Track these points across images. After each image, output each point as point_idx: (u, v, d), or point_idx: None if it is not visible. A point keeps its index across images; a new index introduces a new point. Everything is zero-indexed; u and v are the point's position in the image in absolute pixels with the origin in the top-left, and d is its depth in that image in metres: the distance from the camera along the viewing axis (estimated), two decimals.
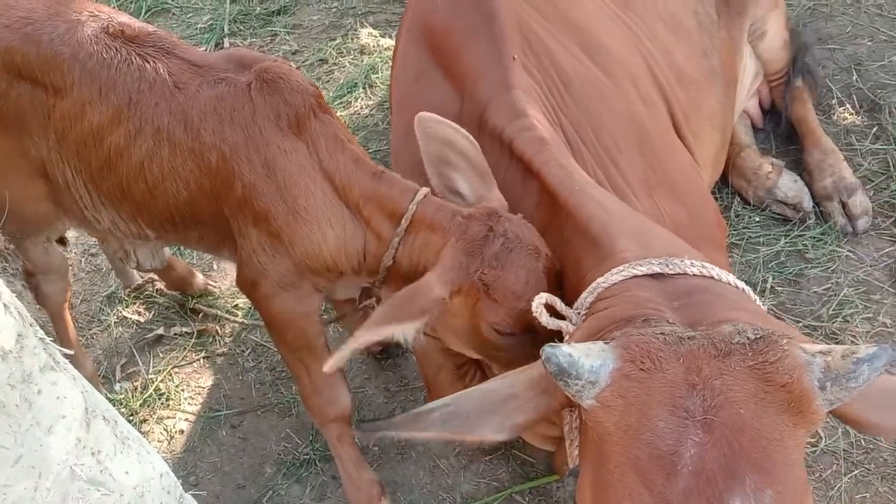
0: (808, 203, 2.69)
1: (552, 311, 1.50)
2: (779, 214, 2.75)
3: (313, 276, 1.86)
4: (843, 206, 2.69)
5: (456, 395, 1.38)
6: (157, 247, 2.41)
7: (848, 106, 3.09)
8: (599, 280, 1.43)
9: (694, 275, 1.35)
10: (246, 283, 1.94)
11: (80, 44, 1.81)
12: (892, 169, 2.84)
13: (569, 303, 1.55)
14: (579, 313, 1.46)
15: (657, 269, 1.36)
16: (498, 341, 1.67)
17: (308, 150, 1.76)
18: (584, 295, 1.46)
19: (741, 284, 1.39)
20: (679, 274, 1.35)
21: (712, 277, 1.36)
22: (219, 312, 2.70)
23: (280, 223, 1.78)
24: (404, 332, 1.58)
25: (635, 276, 1.37)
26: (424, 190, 1.76)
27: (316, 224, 1.77)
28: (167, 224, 1.94)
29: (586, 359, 1.16)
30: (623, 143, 2.05)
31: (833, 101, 3.12)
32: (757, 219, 2.77)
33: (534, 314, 1.48)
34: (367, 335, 1.58)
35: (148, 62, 1.81)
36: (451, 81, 1.97)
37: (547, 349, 1.17)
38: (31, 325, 0.98)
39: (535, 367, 1.35)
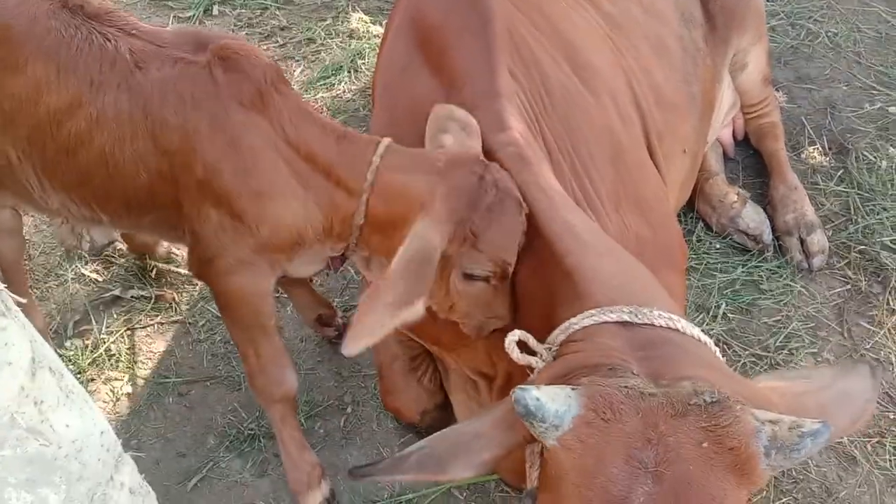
0: (768, 236, 2.76)
1: (523, 347, 1.53)
2: (739, 244, 2.81)
3: (275, 253, 1.84)
4: (802, 242, 2.76)
5: (430, 438, 1.43)
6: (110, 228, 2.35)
7: (818, 146, 3.18)
8: (572, 320, 1.47)
9: (661, 326, 1.39)
10: (200, 263, 1.89)
11: (36, 18, 1.71)
12: (852, 212, 2.92)
13: (535, 325, 1.58)
14: (550, 349, 1.50)
15: (626, 318, 1.40)
16: (462, 288, 1.67)
17: (272, 125, 1.72)
18: (556, 333, 1.50)
19: (704, 337, 1.44)
20: (647, 324, 1.39)
21: (678, 330, 1.41)
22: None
23: (244, 203, 1.75)
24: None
25: (605, 322, 1.41)
26: (387, 140, 1.75)
27: (283, 200, 1.75)
28: (122, 209, 1.88)
29: (552, 403, 1.21)
30: (598, 155, 2.08)
31: (804, 140, 3.20)
32: (717, 245, 2.83)
33: (506, 349, 1.50)
34: (395, 317, 1.53)
35: (109, 41, 1.73)
36: (437, 78, 1.98)
37: (517, 391, 1.22)
38: None
39: (499, 407, 1.42)
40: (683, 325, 1.44)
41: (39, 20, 1.71)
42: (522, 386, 1.24)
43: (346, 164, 1.73)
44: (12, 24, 1.71)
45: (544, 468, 1.33)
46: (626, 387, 1.25)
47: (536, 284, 1.69)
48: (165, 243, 2.72)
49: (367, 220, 1.74)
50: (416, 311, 1.55)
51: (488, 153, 1.78)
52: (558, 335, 1.49)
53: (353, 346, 1.53)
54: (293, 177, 1.74)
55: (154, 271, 2.71)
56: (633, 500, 1.16)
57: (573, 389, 1.26)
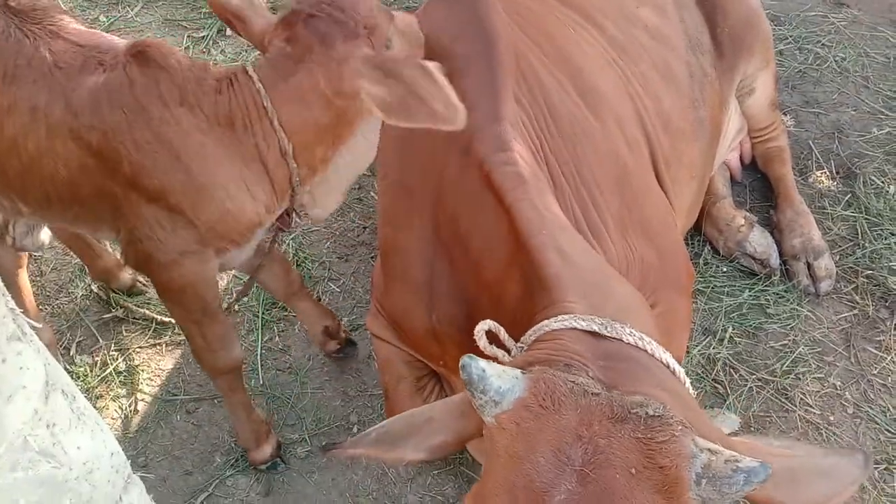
0: (775, 260, 2.77)
1: (494, 339, 1.55)
2: (746, 267, 2.82)
3: (219, 240, 1.83)
4: (809, 267, 2.77)
5: (391, 419, 1.45)
6: (35, 224, 2.29)
7: (826, 170, 3.19)
8: (544, 323, 1.49)
9: (629, 343, 1.40)
10: (138, 259, 1.87)
11: None
12: (859, 237, 2.93)
13: (514, 332, 1.59)
14: (521, 348, 1.51)
15: (595, 328, 1.41)
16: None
17: (194, 114, 1.72)
18: (529, 333, 1.52)
19: (674, 364, 1.43)
20: (615, 338, 1.40)
21: (646, 351, 1.41)
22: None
23: (179, 197, 1.74)
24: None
25: (574, 329, 1.42)
26: (248, 64, 1.78)
27: (219, 187, 1.74)
28: (43, 201, 1.85)
29: (497, 379, 1.23)
30: (603, 181, 2.10)
31: (811, 164, 3.21)
32: (724, 269, 2.84)
33: (474, 337, 1.53)
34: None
35: (28, 38, 1.73)
36: None
37: (465, 358, 1.24)
38: (2, 294, 0.99)
39: (457, 396, 1.43)
40: (654, 347, 1.44)
41: None
42: (472, 355, 1.25)
43: (244, 108, 1.73)
44: None
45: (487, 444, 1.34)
46: (572, 381, 1.26)
47: (517, 295, 1.70)
48: (129, 272, 2.65)
49: (294, 145, 1.76)
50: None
51: (486, 173, 1.80)
52: (530, 335, 1.51)
53: None
54: (228, 157, 1.75)
55: (121, 302, 2.71)
56: (554, 496, 1.15)
57: (522, 373, 1.28)
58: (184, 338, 2.61)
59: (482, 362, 1.23)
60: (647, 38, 2.43)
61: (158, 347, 2.61)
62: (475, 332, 1.52)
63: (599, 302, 1.54)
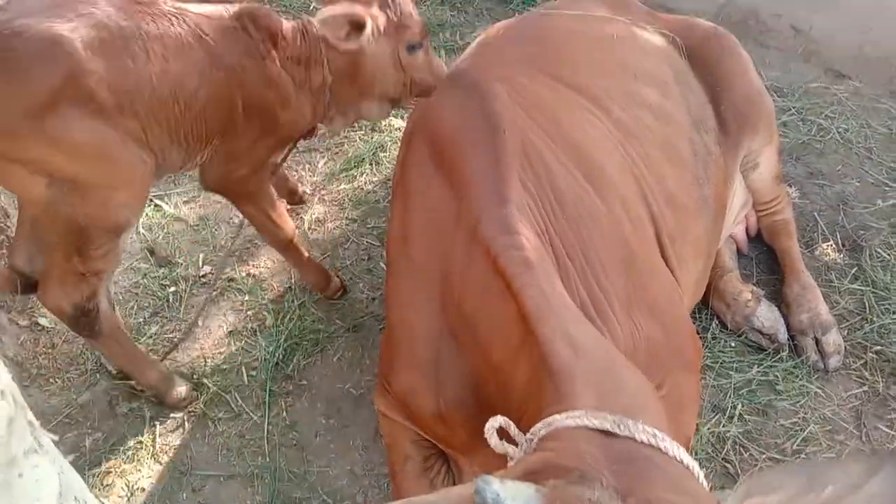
0: (783, 335, 2.76)
1: (504, 434, 1.54)
2: (754, 342, 2.81)
3: (284, 142, 2.57)
4: (817, 342, 2.76)
5: (400, 502, 1.42)
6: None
7: (832, 242, 3.20)
8: (556, 417, 1.46)
9: (641, 441, 1.39)
10: (224, 178, 2.48)
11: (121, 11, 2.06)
12: (867, 311, 2.92)
13: (521, 418, 1.59)
14: (531, 441, 1.50)
15: (608, 427, 1.39)
16: (410, 62, 2.39)
17: (280, 56, 2.35)
18: (539, 426, 1.49)
19: (688, 460, 1.41)
20: (628, 437, 1.40)
21: (660, 449, 1.40)
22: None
23: (275, 110, 2.40)
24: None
25: (587, 427, 1.41)
26: (309, 19, 2.38)
27: (294, 102, 2.40)
28: (186, 138, 2.26)
29: (511, 501, 1.20)
30: (609, 262, 2.12)
31: (817, 236, 3.23)
32: (733, 344, 2.83)
33: (485, 436, 1.52)
34: None
35: (174, 18, 2.19)
36: (450, 188, 2.05)
37: (479, 482, 1.22)
38: (22, 407, 1.01)
39: (462, 487, 1.40)
40: (668, 444, 1.41)
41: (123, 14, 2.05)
42: (485, 477, 1.21)
43: (308, 53, 2.36)
44: (109, 25, 1.99)
45: None
46: (589, 499, 1.23)
47: (525, 380, 1.69)
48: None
49: (334, 78, 2.41)
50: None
51: (493, 257, 1.81)
52: (541, 429, 1.48)
53: None
54: (297, 86, 2.38)
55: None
56: None
57: (536, 490, 1.24)
58: (192, 412, 2.62)
59: (495, 484, 1.21)
60: (652, 119, 2.48)
61: (167, 423, 2.61)
62: (486, 429, 1.50)
63: (610, 395, 1.53)
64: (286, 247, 2.77)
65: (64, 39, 1.87)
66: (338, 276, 2.99)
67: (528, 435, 1.53)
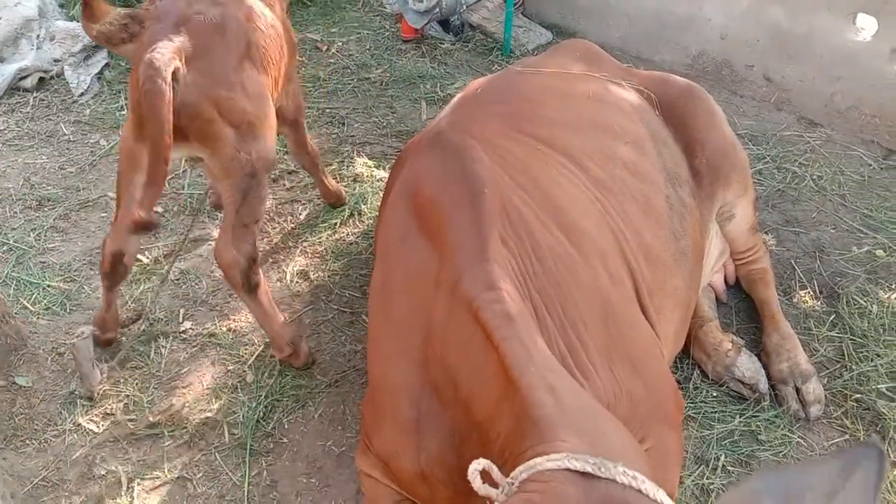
0: (763, 385, 2.78)
1: (486, 478, 1.54)
2: (735, 392, 2.83)
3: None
4: (798, 391, 2.77)
5: None
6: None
7: (809, 290, 3.24)
8: (537, 460, 1.48)
9: (622, 483, 1.40)
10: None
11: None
12: (846, 358, 2.95)
13: (501, 462, 1.60)
14: (512, 484, 1.51)
15: (589, 469, 1.41)
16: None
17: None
18: (520, 469, 1.50)
19: (667, 501, 1.42)
20: (609, 479, 1.41)
21: (640, 491, 1.41)
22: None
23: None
24: None
25: (567, 470, 1.42)
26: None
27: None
28: None
29: None
30: (588, 316, 2.14)
31: (795, 284, 3.27)
32: (714, 393, 2.84)
33: (468, 479, 1.52)
34: None
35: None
36: (432, 249, 2.07)
37: None
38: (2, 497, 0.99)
39: None
40: (647, 486, 1.42)
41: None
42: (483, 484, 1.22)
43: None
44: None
45: None
46: None
47: (507, 432, 1.70)
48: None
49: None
50: None
51: (475, 312, 1.83)
52: (521, 472, 1.49)
53: None
54: None
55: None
56: None
57: None
58: (173, 472, 2.58)
59: None
60: (627, 175, 2.52)
61: (146, 483, 2.57)
62: (469, 472, 1.51)
63: (591, 440, 1.54)
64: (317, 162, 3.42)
65: (238, 17, 2.54)
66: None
67: (509, 479, 1.53)
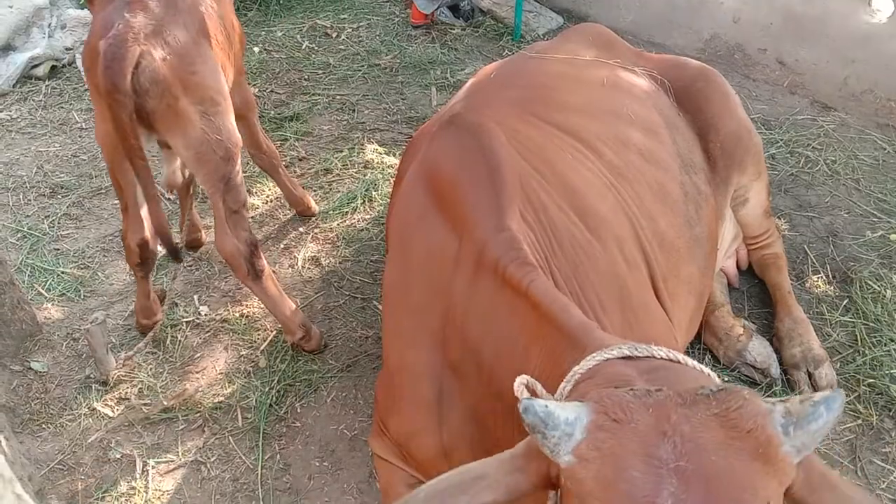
0: (775, 370, 2.77)
1: (532, 394, 1.54)
2: (747, 377, 2.82)
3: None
4: (810, 376, 2.77)
5: (440, 476, 1.39)
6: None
7: (822, 275, 3.23)
8: (576, 368, 1.48)
9: (661, 357, 1.42)
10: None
11: None
12: (859, 343, 2.94)
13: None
14: (565, 388, 1.51)
15: (626, 353, 1.43)
16: None
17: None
18: (562, 384, 1.51)
19: (707, 370, 1.45)
20: (647, 357, 1.42)
21: (678, 362, 1.43)
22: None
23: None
24: None
25: (608, 360, 1.44)
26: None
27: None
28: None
29: (562, 411, 1.20)
30: (605, 300, 2.13)
31: (808, 269, 3.26)
32: (726, 378, 2.84)
33: (515, 392, 1.52)
34: None
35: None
36: (451, 226, 2.06)
37: (525, 400, 1.21)
38: (10, 480, 1.01)
39: (508, 451, 1.39)
40: (685, 359, 1.46)
41: None
42: (529, 397, 1.23)
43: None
44: None
45: (565, 499, 1.29)
46: (631, 389, 1.25)
47: (537, 367, 1.71)
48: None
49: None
50: None
51: (502, 271, 1.84)
52: (565, 386, 1.50)
53: None
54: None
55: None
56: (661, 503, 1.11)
57: (581, 401, 1.26)
58: (186, 456, 2.60)
59: (541, 400, 1.20)
60: (642, 162, 2.50)
61: (161, 465, 2.59)
62: (514, 386, 1.50)
63: (626, 335, 1.56)
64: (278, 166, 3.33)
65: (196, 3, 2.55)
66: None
67: (556, 396, 1.54)
